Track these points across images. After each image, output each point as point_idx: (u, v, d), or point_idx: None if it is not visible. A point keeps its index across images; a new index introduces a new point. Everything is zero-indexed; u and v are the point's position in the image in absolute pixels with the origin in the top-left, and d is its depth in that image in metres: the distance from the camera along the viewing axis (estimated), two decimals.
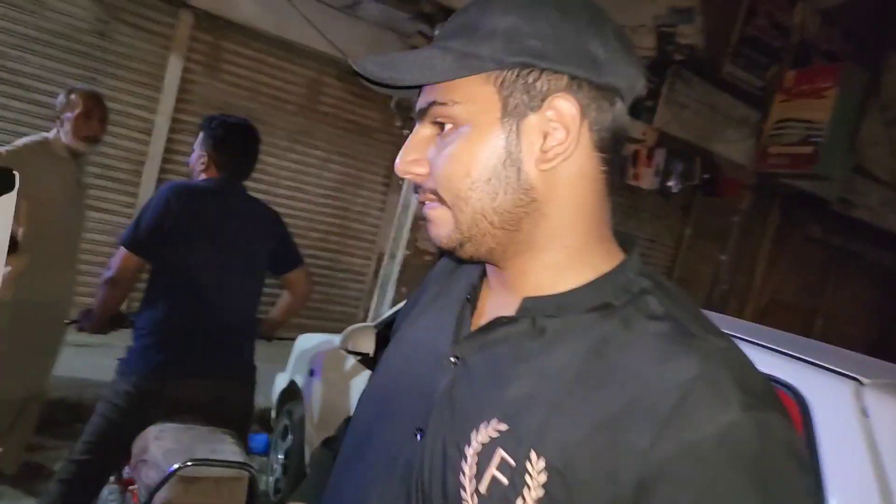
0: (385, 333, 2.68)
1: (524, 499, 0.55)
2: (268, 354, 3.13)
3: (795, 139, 6.43)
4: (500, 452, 0.57)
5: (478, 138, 0.60)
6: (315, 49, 4.65)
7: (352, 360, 2.69)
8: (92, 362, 3.35)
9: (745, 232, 7.41)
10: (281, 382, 3.32)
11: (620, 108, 0.62)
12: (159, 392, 1.98)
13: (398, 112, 4.93)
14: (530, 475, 0.55)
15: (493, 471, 0.57)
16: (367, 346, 2.55)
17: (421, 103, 0.64)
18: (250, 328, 2.23)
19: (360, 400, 0.81)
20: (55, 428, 3.09)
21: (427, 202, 0.65)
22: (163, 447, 1.71)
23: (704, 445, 0.50)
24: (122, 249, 2.00)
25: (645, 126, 6.08)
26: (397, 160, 0.65)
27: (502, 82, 0.59)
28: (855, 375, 1.26)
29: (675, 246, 7.48)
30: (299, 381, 3.10)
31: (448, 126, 0.62)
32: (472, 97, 0.60)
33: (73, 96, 2.50)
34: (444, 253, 0.68)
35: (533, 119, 0.60)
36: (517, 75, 0.59)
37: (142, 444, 1.80)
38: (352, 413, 0.83)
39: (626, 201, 6.83)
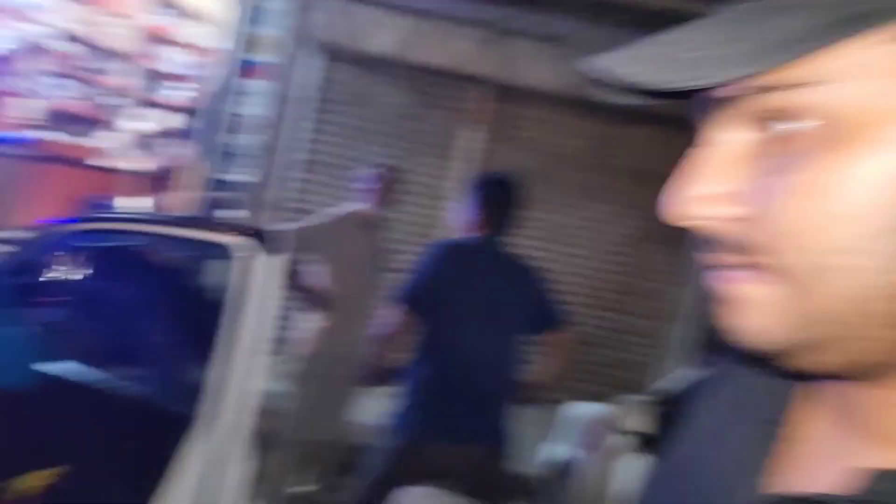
0: (667, 410, 2.40)
1: None
2: (535, 420, 3.05)
3: None
4: None
5: (870, 152, 0.31)
6: (603, 101, 4.59)
7: (620, 437, 2.47)
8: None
9: None
10: (554, 453, 3.20)
11: None
12: (423, 452, 2.05)
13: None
14: None
15: None
16: (644, 424, 2.30)
17: (729, 89, 0.34)
18: (507, 392, 2.20)
19: None
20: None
21: (733, 269, 0.37)
22: None
23: None
24: (397, 306, 2.17)
25: None
26: (673, 194, 0.38)
27: None
28: None
29: None
30: (564, 454, 2.96)
31: (794, 128, 0.33)
32: (856, 69, 0.31)
33: (382, 172, 2.92)
34: (753, 359, 0.39)
35: None
36: None
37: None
38: None
39: None
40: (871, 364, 0.34)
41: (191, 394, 1.51)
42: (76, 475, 1.54)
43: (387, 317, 2.19)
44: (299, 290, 2.90)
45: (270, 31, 4.61)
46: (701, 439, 0.50)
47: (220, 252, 1.56)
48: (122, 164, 5.43)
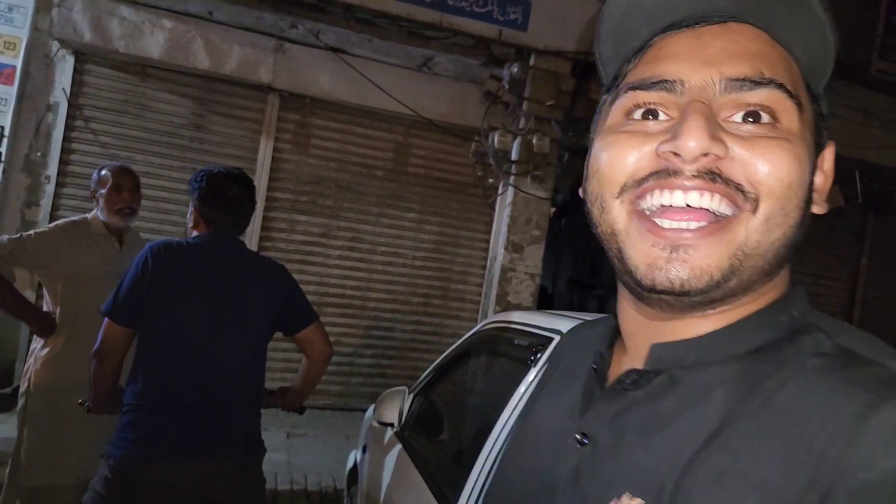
0: (427, 400, 2.33)
1: None
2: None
3: None
4: None
5: (805, 155, 0.49)
6: (398, 112, 4.61)
7: (389, 432, 2.35)
8: None
9: None
10: (350, 461, 3.04)
11: None
12: (138, 476, 1.79)
13: (476, 160, 4.67)
14: None
15: None
16: (392, 415, 2.20)
17: (745, 70, 0.48)
18: (250, 400, 1.99)
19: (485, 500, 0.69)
20: None
21: (692, 215, 0.48)
22: None
23: (883, 486, 0.38)
24: (106, 319, 1.89)
25: None
26: (695, 132, 0.47)
27: (819, 109, 0.52)
28: None
29: (850, 280, 6.28)
30: (358, 458, 2.81)
31: (772, 123, 0.48)
32: (807, 109, 0.50)
33: (103, 173, 2.54)
34: (665, 294, 0.49)
35: (818, 157, 0.52)
36: (823, 106, 0.52)
37: None
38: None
39: None
40: (745, 288, 0.49)
41: None
42: None
43: (100, 332, 1.90)
44: (11, 312, 2.41)
45: (7, 29, 4.08)
46: (540, 411, 0.64)
47: None
48: None
